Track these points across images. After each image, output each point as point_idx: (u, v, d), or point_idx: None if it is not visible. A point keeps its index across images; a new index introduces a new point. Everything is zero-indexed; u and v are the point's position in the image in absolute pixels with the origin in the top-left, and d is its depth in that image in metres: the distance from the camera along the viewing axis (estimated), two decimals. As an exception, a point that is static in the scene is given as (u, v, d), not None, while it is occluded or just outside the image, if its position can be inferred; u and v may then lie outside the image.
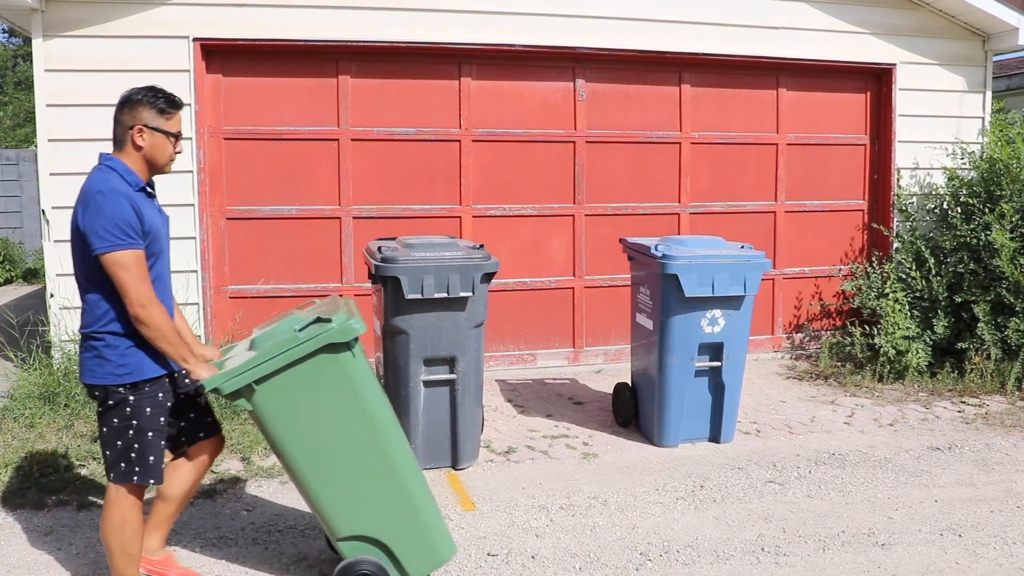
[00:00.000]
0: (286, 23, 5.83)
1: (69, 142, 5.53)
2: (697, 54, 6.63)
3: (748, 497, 4.22)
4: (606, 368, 6.76)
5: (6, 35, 22.91)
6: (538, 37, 6.28)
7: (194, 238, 5.77)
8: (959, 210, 6.66)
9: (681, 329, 4.76)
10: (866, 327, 6.61)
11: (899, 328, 6.25)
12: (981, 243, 6.35)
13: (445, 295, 4.29)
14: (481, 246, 4.55)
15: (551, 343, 6.76)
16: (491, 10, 6.18)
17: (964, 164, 7.00)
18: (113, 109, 2.96)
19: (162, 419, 2.96)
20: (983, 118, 7.24)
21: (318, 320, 2.92)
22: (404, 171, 6.36)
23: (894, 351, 6.23)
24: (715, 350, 4.86)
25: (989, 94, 7.26)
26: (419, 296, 4.26)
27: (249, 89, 6.04)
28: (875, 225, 7.26)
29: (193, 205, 5.76)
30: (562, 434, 5.16)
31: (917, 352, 6.21)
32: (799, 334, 7.26)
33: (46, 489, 4.17)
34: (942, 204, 6.96)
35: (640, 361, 5.18)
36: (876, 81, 7.24)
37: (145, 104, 2.91)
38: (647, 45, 6.50)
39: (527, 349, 6.70)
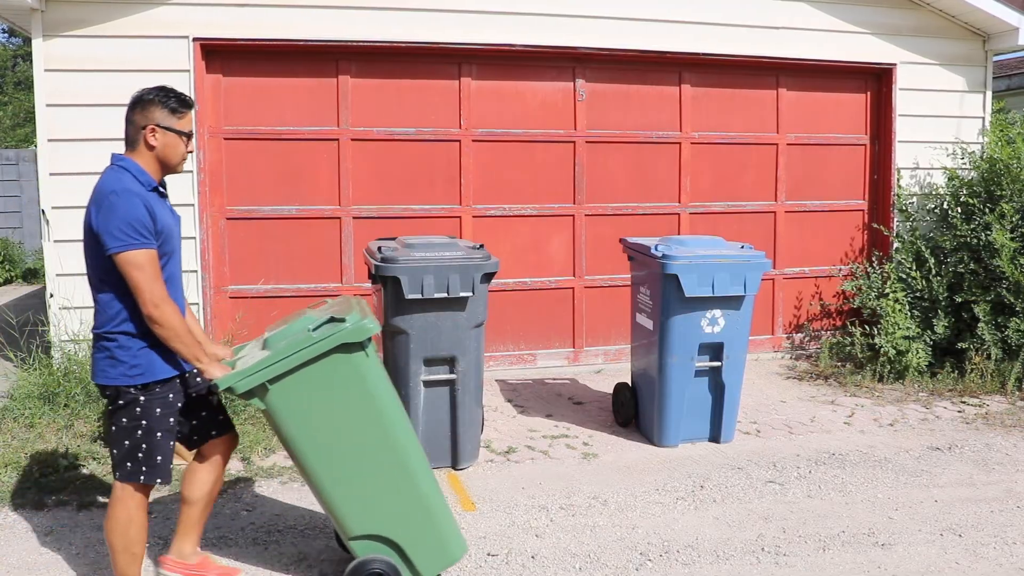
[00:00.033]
0: (286, 23, 5.84)
1: (69, 142, 5.54)
2: (697, 54, 6.63)
3: (748, 497, 4.22)
4: (606, 368, 6.76)
5: (6, 35, 22.92)
6: (538, 37, 6.28)
7: (194, 238, 5.77)
8: (959, 210, 6.66)
9: (681, 329, 4.76)
10: (866, 327, 6.61)
11: (899, 328, 6.25)
12: (981, 243, 6.35)
13: (445, 295, 4.29)
14: (481, 246, 4.55)
15: (551, 343, 6.76)
16: (491, 10, 6.18)
17: (964, 164, 7.01)
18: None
19: (171, 419, 2.97)
20: (983, 118, 7.24)
21: (331, 320, 2.92)
22: (404, 171, 6.36)
23: (894, 351, 6.23)
24: (715, 350, 4.86)
25: (989, 94, 7.26)
26: (419, 296, 4.26)
27: (249, 89, 6.04)
28: (875, 225, 7.26)
29: (193, 205, 5.76)
30: (562, 434, 5.17)
31: (917, 352, 6.21)
32: (799, 334, 7.26)
33: (46, 489, 4.17)
34: (942, 204, 6.96)
35: (640, 361, 5.18)
36: (876, 81, 7.24)
37: (157, 104, 2.92)
38: (647, 45, 6.50)
39: (527, 349, 6.70)
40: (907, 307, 6.40)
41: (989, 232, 6.27)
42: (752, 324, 5.05)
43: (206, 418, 3.16)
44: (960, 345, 6.30)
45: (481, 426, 4.78)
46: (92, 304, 2.92)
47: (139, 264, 2.77)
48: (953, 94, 7.19)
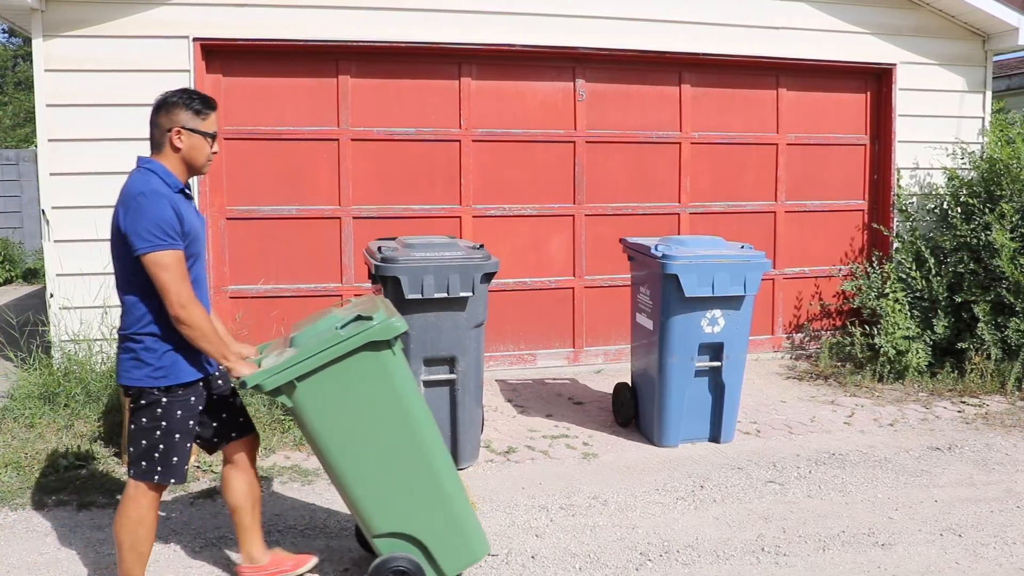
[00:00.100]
0: (286, 23, 5.84)
1: (69, 142, 5.53)
2: (697, 54, 6.63)
3: (748, 497, 4.22)
4: (606, 368, 6.76)
5: (6, 35, 22.93)
6: (538, 37, 6.28)
7: (194, 238, 5.76)
8: (959, 210, 6.66)
9: (681, 329, 4.76)
10: (866, 327, 6.61)
11: (899, 328, 6.25)
12: (981, 243, 6.35)
13: (445, 295, 4.29)
14: (481, 246, 4.55)
15: (551, 343, 6.76)
16: (491, 10, 6.18)
17: (964, 164, 7.01)
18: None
19: (191, 422, 2.99)
20: (983, 118, 7.24)
21: (358, 318, 2.94)
22: (404, 171, 6.36)
23: (894, 351, 6.23)
24: (715, 350, 4.86)
25: (989, 94, 7.26)
26: (419, 296, 4.26)
27: (249, 89, 6.04)
28: (875, 225, 7.26)
29: (193, 205, 5.76)
30: (562, 434, 5.17)
31: (917, 352, 6.21)
32: (799, 334, 7.26)
33: (46, 489, 4.17)
34: (942, 204, 6.96)
35: (640, 361, 5.18)
36: (876, 81, 7.24)
37: (181, 106, 2.94)
38: (647, 45, 6.50)
39: (527, 349, 6.70)
40: (907, 307, 6.40)
41: (989, 232, 6.27)
42: (752, 324, 5.05)
43: (226, 420, 3.18)
44: (960, 345, 6.31)
45: (481, 426, 4.78)
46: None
47: (166, 265, 2.79)
48: (953, 94, 7.19)
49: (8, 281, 11.78)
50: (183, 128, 2.93)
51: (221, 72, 5.97)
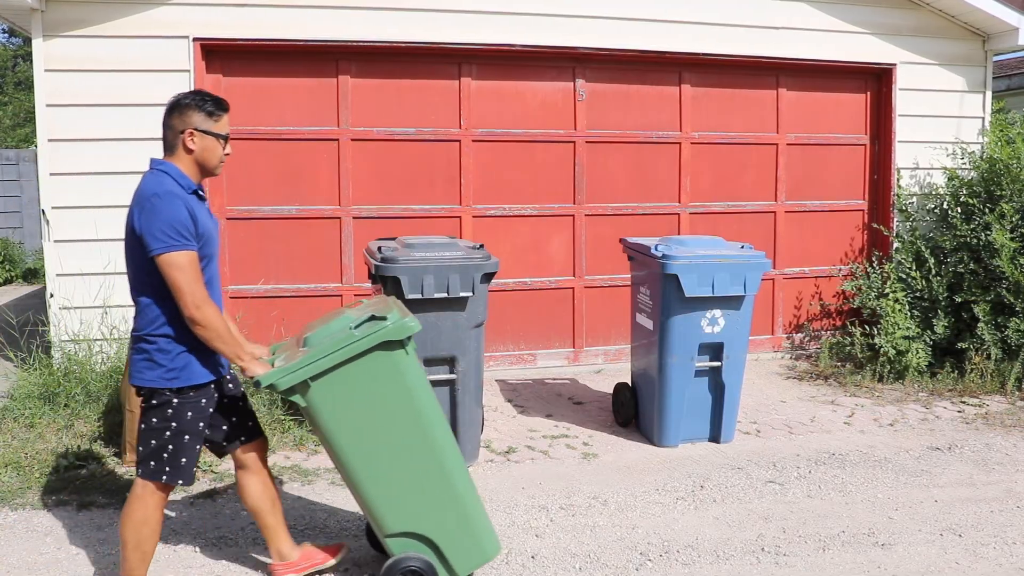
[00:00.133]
0: (286, 23, 5.84)
1: (69, 142, 5.53)
2: (697, 54, 6.63)
3: (748, 497, 4.22)
4: (606, 368, 6.76)
5: (6, 35, 22.92)
6: (538, 37, 6.28)
7: (194, 238, 5.76)
8: (959, 210, 6.66)
9: (681, 329, 4.76)
10: (866, 327, 6.61)
11: (899, 328, 6.25)
12: (981, 243, 6.35)
13: (445, 295, 4.29)
14: (481, 246, 4.55)
15: (551, 343, 6.76)
16: (491, 10, 6.18)
17: (964, 164, 7.01)
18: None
19: (201, 424, 3.00)
20: (983, 118, 7.24)
21: (372, 318, 2.95)
22: (404, 171, 6.36)
23: (894, 351, 6.23)
24: (715, 350, 4.86)
25: (989, 94, 7.26)
26: (419, 296, 4.26)
27: (249, 89, 6.04)
28: (875, 225, 7.26)
29: (193, 205, 5.76)
30: (562, 434, 5.17)
31: (917, 352, 6.21)
32: (799, 334, 7.26)
33: (46, 489, 4.17)
34: (942, 204, 6.96)
35: (640, 361, 5.18)
36: (876, 81, 7.25)
37: (194, 108, 2.97)
38: (647, 45, 6.50)
39: (527, 349, 6.70)
40: (907, 307, 6.40)
41: (989, 232, 6.27)
42: (752, 324, 5.05)
43: (236, 424, 3.18)
44: (960, 345, 6.31)
45: (481, 426, 4.78)
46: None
47: (180, 265, 2.79)
48: (953, 94, 7.19)
49: (8, 281, 11.78)
50: (196, 130, 2.95)
51: (221, 72, 5.97)
